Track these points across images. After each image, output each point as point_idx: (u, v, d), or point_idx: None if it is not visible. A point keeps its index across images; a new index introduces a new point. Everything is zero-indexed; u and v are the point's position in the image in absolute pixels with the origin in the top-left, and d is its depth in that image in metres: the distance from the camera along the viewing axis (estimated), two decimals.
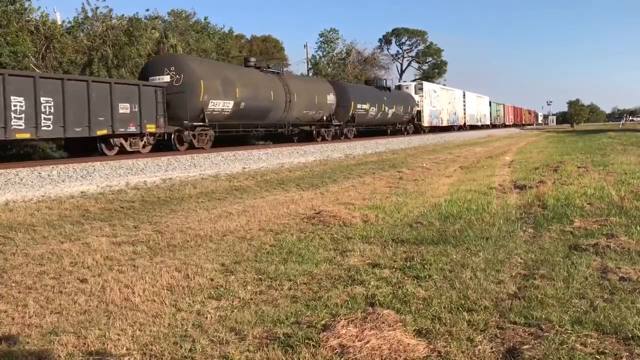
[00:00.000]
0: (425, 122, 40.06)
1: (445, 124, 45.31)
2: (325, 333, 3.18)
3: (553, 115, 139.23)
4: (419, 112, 39.09)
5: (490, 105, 65.57)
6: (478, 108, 58.82)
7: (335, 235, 6.05)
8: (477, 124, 57.77)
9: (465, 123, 52.15)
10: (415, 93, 39.82)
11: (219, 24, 52.45)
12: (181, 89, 16.65)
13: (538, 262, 4.64)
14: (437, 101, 43.14)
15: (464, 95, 53.12)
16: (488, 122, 63.47)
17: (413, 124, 38.20)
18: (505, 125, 73.08)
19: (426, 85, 42.81)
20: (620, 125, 75.70)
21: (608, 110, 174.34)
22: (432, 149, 25.20)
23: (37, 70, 18.76)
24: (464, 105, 52.38)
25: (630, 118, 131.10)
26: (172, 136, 16.82)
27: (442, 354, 2.94)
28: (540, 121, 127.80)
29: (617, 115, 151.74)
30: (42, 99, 12.35)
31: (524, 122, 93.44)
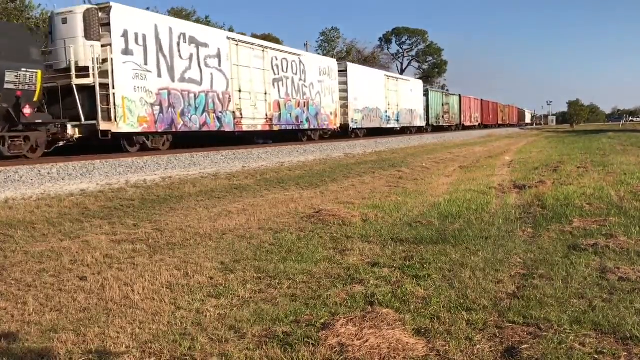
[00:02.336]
0: (123, 125, 14.03)
1: (252, 126, 19.54)
2: (324, 332, 3.18)
3: (553, 115, 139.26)
4: (85, 91, 13.59)
5: (426, 95, 41.31)
6: (391, 99, 33.26)
7: (334, 234, 6.05)
8: (388, 126, 32.65)
9: (345, 124, 27.00)
10: (89, 36, 13.61)
11: (220, 23, 52.45)
12: None
13: (537, 262, 4.65)
14: (214, 72, 17.44)
15: (346, 70, 26.99)
16: (421, 123, 39.63)
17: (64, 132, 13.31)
18: (464, 127, 52.24)
19: (127, 15, 14.42)
20: (620, 126, 75.74)
21: (608, 111, 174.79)
22: (432, 149, 25.22)
23: None
24: (347, 91, 26.65)
25: (630, 118, 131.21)
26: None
27: (441, 353, 2.95)
28: (528, 121, 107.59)
29: (617, 115, 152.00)
30: None
31: (499, 122, 70.59)
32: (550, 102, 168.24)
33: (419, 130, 39.90)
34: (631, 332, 3.10)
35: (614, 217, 6.34)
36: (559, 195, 8.22)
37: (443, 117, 46.14)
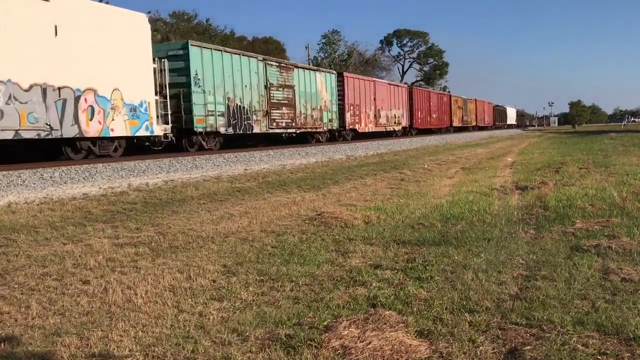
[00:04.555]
0: None
1: None
2: (327, 334, 3.18)
3: (555, 116, 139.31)
4: None
5: (182, 58, 16.87)
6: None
7: (336, 237, 6.05)
8: None
9: None
10: None
11: (221, 26, 52.68)
12: None
13: (539, 263, 4.64)
14: None
15: None
16: (150, 130, 14.82)
17: None
18: (357, 135, 29.92)
19: None
20: (622, 126, 75.65)
21: (610, 111, 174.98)
22: (434, 150, 25.21)
23: None
24: None
25: (632, 119, 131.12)
26: None
27: (444, 354, 2.94)
28: (512, 121, 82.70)
29: (618, 116, 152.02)
30: None
31: (453, 124, 48.16)
32: (552, 103, 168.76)
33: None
34: (634, 332, 3.10)
35: (616, 218, 6.33)
36: (561, 196, 8.21)
37: (270, 114, 21.43)
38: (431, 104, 42.41)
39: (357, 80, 30.41)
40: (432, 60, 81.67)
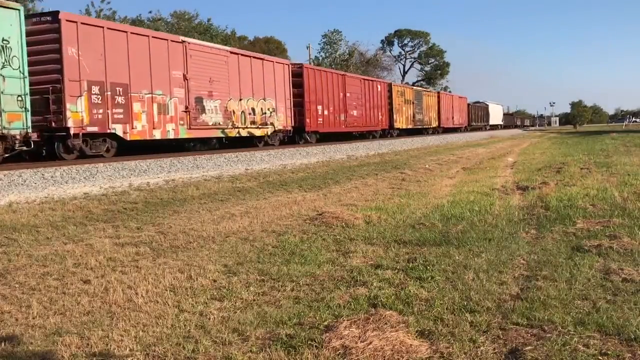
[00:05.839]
0: None
1: None
2: (327, 334, 3.18)
3: (556, 116, 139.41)
4: None
5: None
6: None
7: (337, 237, 6.05)
8: None
9: None
10: None
11: (222, 26, 52.67)
12: None
13: (540, 263, 4.64)
14: None
15: None
16: None
17: None
18: (118, 141, 14.46)
19: None
20: (624, 126, 75.63)
21: (611, 112, 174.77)
22: (435, 150, 25.21)
23: None
24: None
25: (634, 119, 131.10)
26: None
27: (445, 355, 2.94)
28: (497, 121, 67.90)
29: (620, 116, 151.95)
30: None
31: (393, 125, 32.83)
32: (554, 103, 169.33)
33: None
34: (635, 333, 3.09)
35: (618, 218, 6.33)
36: (562, 196, 8.20)
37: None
38: (348, 94, 26.86)
39: (121, 35, 14.48)
40: (433, 60, 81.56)
